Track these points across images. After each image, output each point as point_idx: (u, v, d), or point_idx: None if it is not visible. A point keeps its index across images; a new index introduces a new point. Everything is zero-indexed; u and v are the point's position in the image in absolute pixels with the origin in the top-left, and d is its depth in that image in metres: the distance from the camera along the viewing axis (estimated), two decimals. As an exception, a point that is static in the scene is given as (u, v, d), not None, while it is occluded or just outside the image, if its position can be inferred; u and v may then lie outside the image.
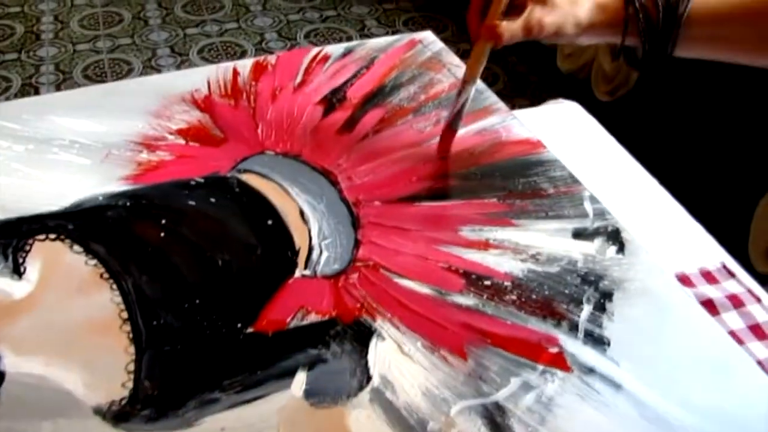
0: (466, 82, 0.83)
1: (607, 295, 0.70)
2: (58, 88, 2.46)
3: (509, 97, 2.52)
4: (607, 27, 0.76)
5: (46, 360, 0.61)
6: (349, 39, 2.84)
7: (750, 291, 0.86)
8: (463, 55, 2.79)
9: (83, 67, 2.58)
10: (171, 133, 0.86)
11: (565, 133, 1.03)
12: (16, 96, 2.41)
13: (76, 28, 2.83)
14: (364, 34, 2.88)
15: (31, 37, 2.76)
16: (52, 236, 0.71)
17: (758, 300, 0.85)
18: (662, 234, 0.90)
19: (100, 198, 0.76)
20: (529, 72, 2.70)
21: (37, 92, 2.43)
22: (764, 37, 0.72)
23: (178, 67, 2.60)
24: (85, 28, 2.84)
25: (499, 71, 2.69)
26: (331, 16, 3.01)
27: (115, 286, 0.67)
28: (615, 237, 0.78)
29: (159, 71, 2.57)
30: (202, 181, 0.79)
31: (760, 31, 0.71)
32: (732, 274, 0.88)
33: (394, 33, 2.86)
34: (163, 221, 0.73)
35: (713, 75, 1.82)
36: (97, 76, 2.54)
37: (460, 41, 2.83)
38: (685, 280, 0.85)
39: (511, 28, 0.75)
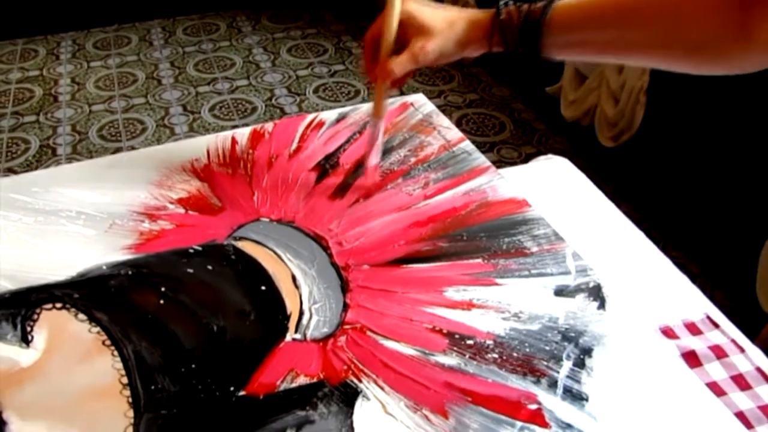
0: (374, 118, 0.93)
1: (587, 351, 0.73)
2: (74, 149, 2.53)
3: (515, 146, 2.57)
4: (481, 40, 0.84)
5: (49, 425, 0.64)
6: (357, 93, 2.90)
7: (734, 341, 0.88)
8: (470, 105, 2.84)
9: (98, 127, 2.66)
10: (171, 203, 0.91)
11: (553, 189, 1.06)
12: (34, 157, 2.48)
13: (92, 89, 2.92)
14: (373, 87, 2.94)
15: (49, 99, 2.85)
16: (59, 305, 0.75)
17: (742, 350, 0.87)
18: (647, 287, 0.93)
19: (104, 267, 0.81)
20: (535, 120, 2.74)
21: (54, 153, 2.50)
22: (611, 41, 0.78)
23: (191, 126, 2.67)
24: (100, 89, 2.93)
25: (505, 120, 2.74)
26: (339, 70, 3.08)
27: (116, 353, 0.71)
28: (596, 293, 0.81)
29: (172, 129, 2.64)
30: (200, 249, 0.83)
31: (608, 34, 0.77)
32: (716, 325, 0.90)
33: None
34: (163, 289, 0.77)
35: (717, 116, 1.85)
36: (111, 135, 2.61)
37: (467, 91, 2.89)
38: (668, 332, 0.88)
39: (399, 62, 0.85)
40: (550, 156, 1.17)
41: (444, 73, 3.02)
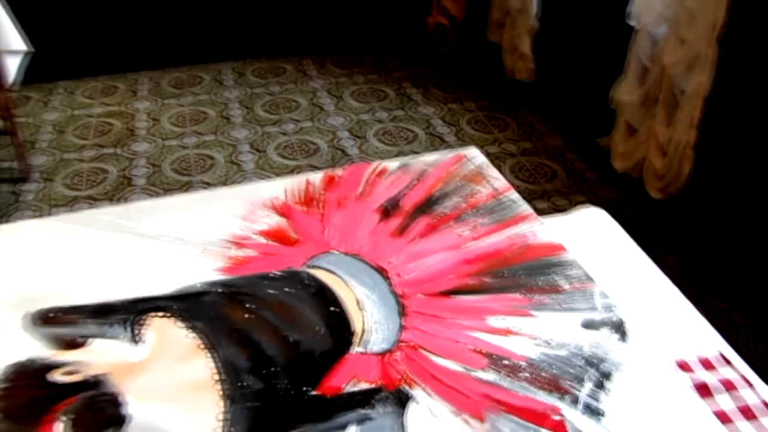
0: None
1: (606, 375, 0.86)
2: (148, 180, 2.71)
3: (566, 194, 2.66)
4: None
5: (159, 407, 0.79)
6: (416, 137, 3.04)
7: (744, 377, 0.99)
8: (524, 152, 2.91)
9: (171, 160, 2.84)
10: (255, 234, 1.06)
11: (588, 236, 1.19)
12: (111, 185, 2.67)
13: (166, 125, 3.12)
14: (430, 132, 3.08)
15: (127, 133, 3.05)
16: (161, 314, 0.90)
17: (750, 385, 0.98)
18: (667, 325, 1.04)
19: (199, 285, 0.96)
20: (586, 170, 2.82)
21: (130, 183, 2.68)
22: None
23: (257, 163, 2.83)
24: (174, 125, 3.12)
25: (558, 169, 2.82)
26: (399, 115, 3.22)
27: (209, 355, 0.85)
28: (619, 327, 0.93)
29: (239, 166, 2.81)
30: (279, 274, 0.98)
31: None
32: (728, 362, 1.01)
33: (458, 132, 3.06)
34: (248, 305, 0.92)
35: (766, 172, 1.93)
36: (183, 169, 2.79)
37: (520, 139, 3.00)
38: (684, 365, 0.99)
39: None
40: (588, 206, 1.29)
41: (499, 121, 3.14)
